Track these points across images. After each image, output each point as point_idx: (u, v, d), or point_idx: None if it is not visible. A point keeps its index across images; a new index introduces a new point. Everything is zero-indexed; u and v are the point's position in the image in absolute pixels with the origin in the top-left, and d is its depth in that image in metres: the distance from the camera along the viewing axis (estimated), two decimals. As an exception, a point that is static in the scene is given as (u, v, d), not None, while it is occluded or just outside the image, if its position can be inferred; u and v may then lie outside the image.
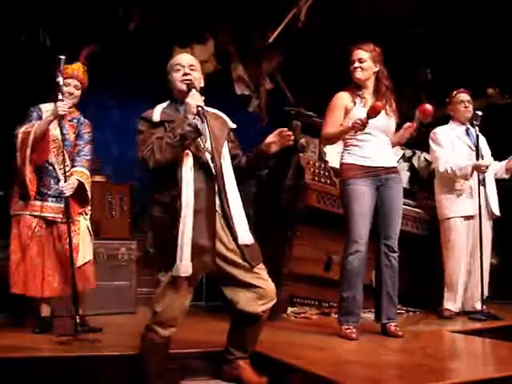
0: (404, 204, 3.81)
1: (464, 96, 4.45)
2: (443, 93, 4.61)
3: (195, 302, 2.66)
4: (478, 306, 4.23)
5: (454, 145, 4.40)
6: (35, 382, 2.69)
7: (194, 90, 2.59)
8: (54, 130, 3.44)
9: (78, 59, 3.71)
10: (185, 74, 2.66)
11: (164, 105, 2.70)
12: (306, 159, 4.28)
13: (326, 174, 4.33)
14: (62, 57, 3.30)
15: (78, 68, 3.60)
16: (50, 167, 3.50)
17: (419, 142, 3.83)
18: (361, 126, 3.23)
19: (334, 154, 4.32)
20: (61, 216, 3.47)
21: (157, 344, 2.56)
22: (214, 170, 2.59)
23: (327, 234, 4.25)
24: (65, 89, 3.46)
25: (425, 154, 5.09)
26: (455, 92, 4.50)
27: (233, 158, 2.75)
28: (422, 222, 4.84)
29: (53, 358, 2.82)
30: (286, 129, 2.65)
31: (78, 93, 3.60)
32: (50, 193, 3.50)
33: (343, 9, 5.24)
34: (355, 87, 3.51)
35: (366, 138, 3.44)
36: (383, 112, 3.40)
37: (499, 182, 4.50)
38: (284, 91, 6.31)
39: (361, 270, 3.38)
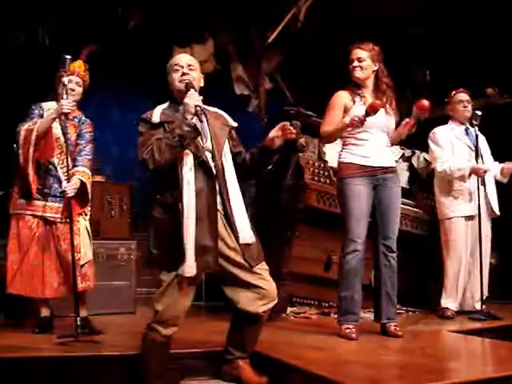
0: (403, 204, 3.81)
1: (463, 96, 4.45)
2: (442, 93, 4.61)
3: (195, 301, 2.65)
4: (478, 305, 4.24)
5: (453, 145, 4.40)
6: (35, 382, 2.68)
7: (192, 90, 2.58)
8: (55, 129, 3.44)
9: (79, 57, 3.70)
10: (183, 74, 2.66)
11: (164, 106, 2.69)
12: (305, 159, 4.28)
13: (326, 173, 4.33)
14: (68, 56, 3.30)
15: (79, 65, 3.59)
16: (51, 166, 3.49)
17: (416, 137, 3.82)
18: (358, 123, 3.23)
19: (333, 154, 4.31)
20: (60, 216, 3.46)
21: (158, 343, 2.56)
22: (214, 170, 2.60)
23: (327, 234, 4.25)
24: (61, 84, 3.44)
25: (424, 154, 5.09)
26: (454, 92, 4.50)
27: (236, 155, 2.75)
28: (421, 221, 4.85)
29: (53, 357, 2.81)
30: (287, 123, 2.65)
31: (79, 90, 3.59)
32: (50, 192, 3.48)
33: (342, 9, 5.25)
34: (355, 86, 3.51)
35: (364, 137, 3.44)
36: (383, 111, 3.41)
37: (499, 183, 4.51)
38: (283, 91, 6.32)
39: (359, 269, 3.38)
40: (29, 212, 3.44)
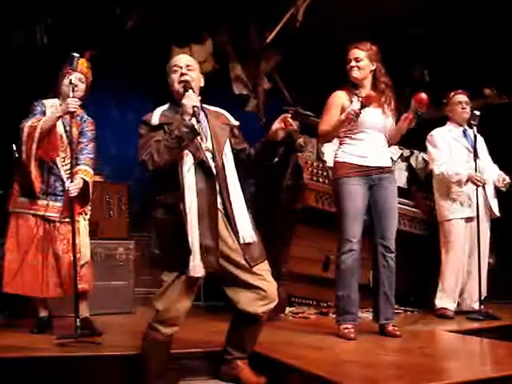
0: (402, 204, 3.81)
1: (462, 97, 4.46)
2: (441, 93, 4.62)
3: (194, 301, 2.65)
4: (476, 305, 4.24)
5: (451, 146, 4.40)
6: (35, 382, 2.69)
7: (190, 91, 2.58)
8: (58, 127, 3.43)
9: (82, 57, 3.69)
10: (182, 75, 2.66)
11: (164, 107, 2.69)
12: (304, 159, 4.28)
13: (324, 173, 4.33)
14: (76, 54, 3.29)
15: (81, 62, 3.58)
16: (53, 165, 3.46)
17: (414, 137, 3.83)
18: (354, 117, 3.23)
19: (332, 154, 4.30)
20: (59, 215, 3.44)
21: (159, 343, 2.57)
22: (214, 169, 2.60)
23: (325, 234, 4.24)
24: (67, 82, 3.42)
25: (422, 154, 5.09)
26: (453, 93, 4.50)
27: (240, 152, 2.75)
28: (419, 221, 4.85)
29: (53, 357, 2.81)
30: (289, 114, 2.66)
31: (82, 86, 3.56)
32: (50, 191, 3.46)
33: (341, 8, 5.24)
34: (352, 86, 3.51)
35: (361, 137, 3.44)
36: (381, 110, 3.41)
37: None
38: (282, 91, 6.31)
39: (355, 268, 3.38)
40: (30, 211, 3.42)
